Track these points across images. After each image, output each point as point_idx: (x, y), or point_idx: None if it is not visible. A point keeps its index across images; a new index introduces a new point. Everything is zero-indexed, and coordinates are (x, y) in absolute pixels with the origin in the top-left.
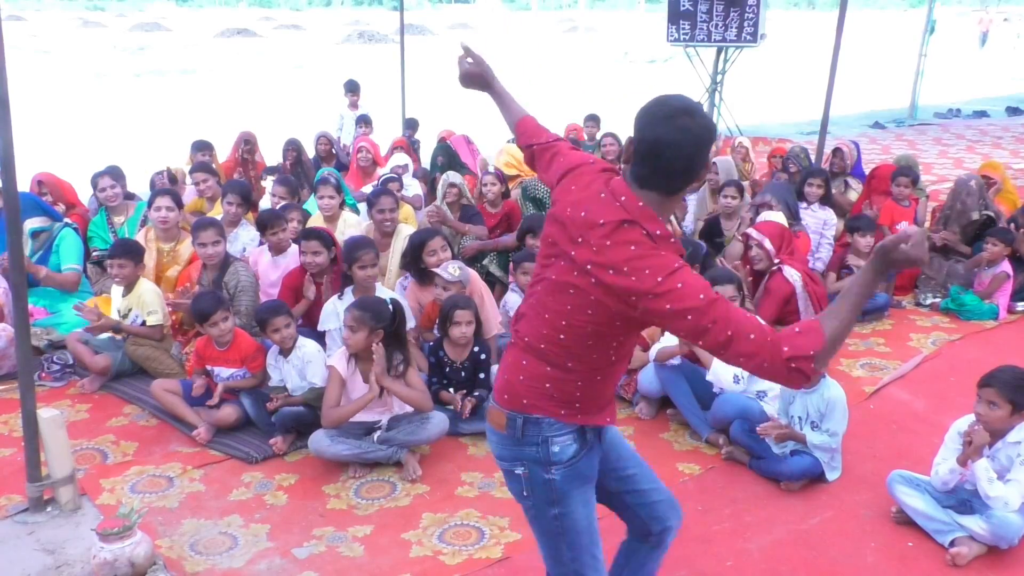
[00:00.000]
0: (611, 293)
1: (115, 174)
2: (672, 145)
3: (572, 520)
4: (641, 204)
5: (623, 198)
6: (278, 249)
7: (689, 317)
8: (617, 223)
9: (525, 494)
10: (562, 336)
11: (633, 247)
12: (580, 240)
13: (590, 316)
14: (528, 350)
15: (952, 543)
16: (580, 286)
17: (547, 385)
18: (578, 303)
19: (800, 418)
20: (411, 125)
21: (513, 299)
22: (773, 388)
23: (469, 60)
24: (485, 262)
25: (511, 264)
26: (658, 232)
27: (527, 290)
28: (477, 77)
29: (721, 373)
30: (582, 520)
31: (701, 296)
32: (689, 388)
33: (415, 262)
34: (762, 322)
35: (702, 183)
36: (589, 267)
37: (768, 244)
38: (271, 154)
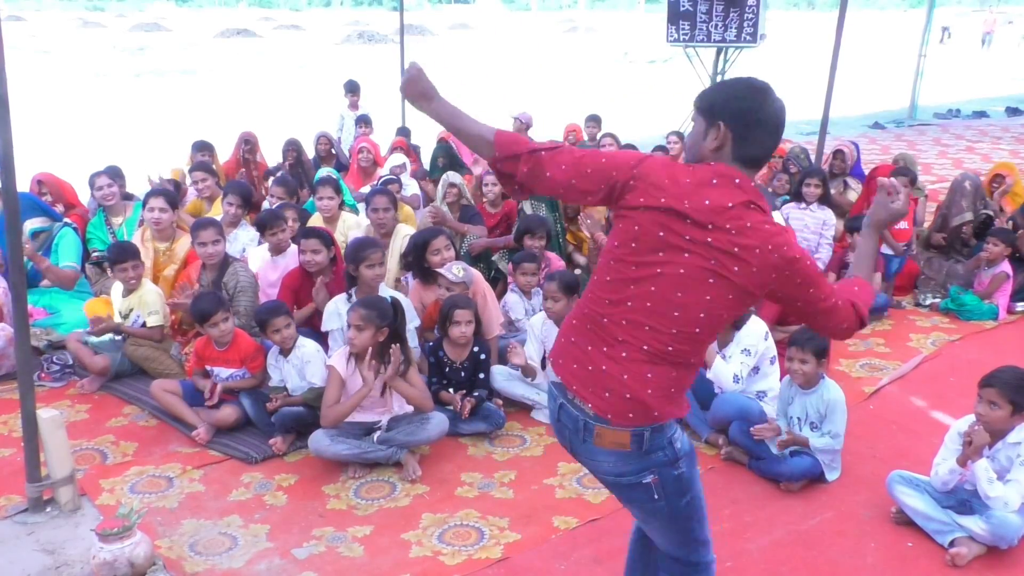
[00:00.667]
0: (759, 272)
1: (113, 173)
2: (777, 124)
3: (699, 498)
4: (753, 184)
5: (737, 180)
6: (277, 249)
7: (812, 289)
8: (744, 204)
9: (656, 497)
10: (698, 330)
11: (767, 225)
12: (711, 226)
13: (730, 300)
14: (651, 359)
15: (952, 543)
16: (722, 272)
17: (672, 389)
18: (719, 291)
19: (799, 419)
20: (403, 133)
21: (513, 299)
22: (772, 388)
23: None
24: (495, 258)
25: (510, 264)
26: (766, 208)
27: (610, 293)
28: (424, 89)
29: (720, 373)
30: (701, 493)
31: (812, 263)
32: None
33: (418, 262)
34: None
35: None
36: (736, 250)
37: None
38: (271, 154)
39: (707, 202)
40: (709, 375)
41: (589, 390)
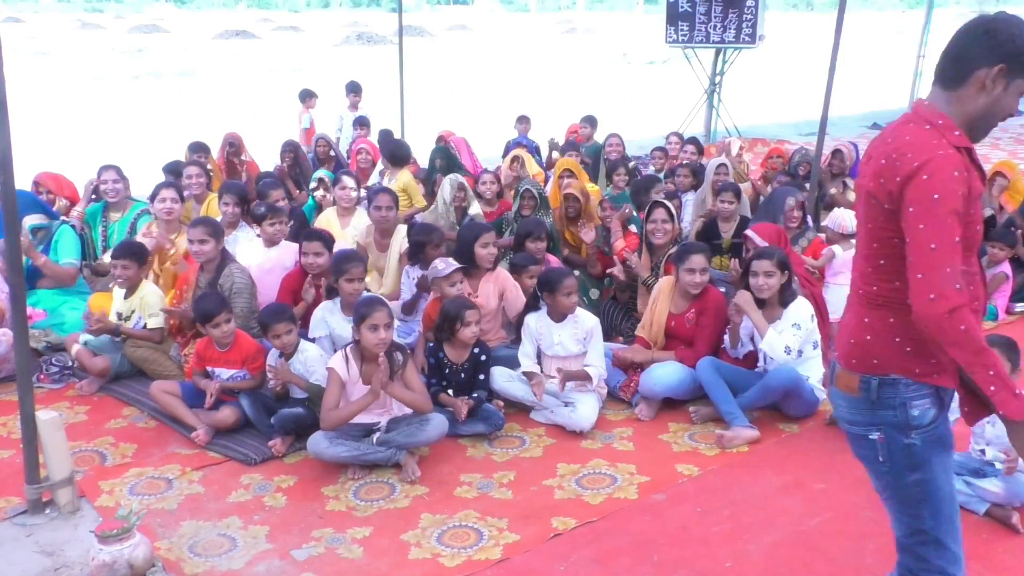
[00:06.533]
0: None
1: (120, 172)
2: None
3: (935, 486)
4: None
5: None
6: (271, 241)
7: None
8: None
9: (881, 459)
10: (882, 261)
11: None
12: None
13: (883, 219)
14: (863, 302)
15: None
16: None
17: (896, 339)
18: (871, 211)
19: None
20: (386, 134)
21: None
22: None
23: None
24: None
25: (510, 266)
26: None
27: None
28: None
29: (773, 343)
30: (944, 487)
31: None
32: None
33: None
34: None
35: None
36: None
37: (763, 244)
38: (269, 156)
39: None
40: (762, 346)
41: (839, 338)
